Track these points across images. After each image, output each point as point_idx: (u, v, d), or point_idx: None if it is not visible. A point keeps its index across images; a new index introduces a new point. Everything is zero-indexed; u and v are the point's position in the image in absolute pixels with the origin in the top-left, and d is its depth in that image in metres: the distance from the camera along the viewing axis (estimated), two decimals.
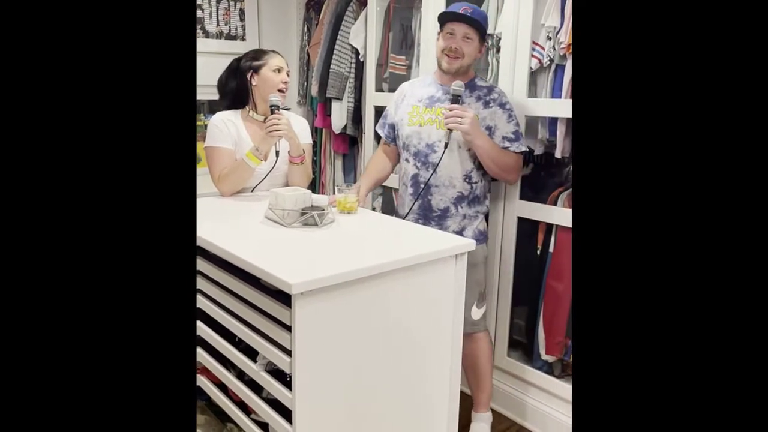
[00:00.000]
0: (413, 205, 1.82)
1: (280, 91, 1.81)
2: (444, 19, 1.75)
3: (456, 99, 1.68)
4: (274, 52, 1.86)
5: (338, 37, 2.68)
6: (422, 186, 1.79)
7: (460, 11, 1.69)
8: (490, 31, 2.00)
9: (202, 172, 2.69)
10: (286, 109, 1.88)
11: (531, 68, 1.87)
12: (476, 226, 1.82)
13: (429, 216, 1.80)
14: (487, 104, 1.75)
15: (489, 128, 1.74)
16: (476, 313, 1.84)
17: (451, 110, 1.66)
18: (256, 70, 1.82)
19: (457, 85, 1.68)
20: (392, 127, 1.92)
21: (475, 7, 1.72)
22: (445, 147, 1.72)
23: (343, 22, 2.67)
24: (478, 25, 1.68)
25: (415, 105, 1.83)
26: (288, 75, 1.85)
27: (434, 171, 1.76)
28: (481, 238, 1.83)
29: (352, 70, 2.67)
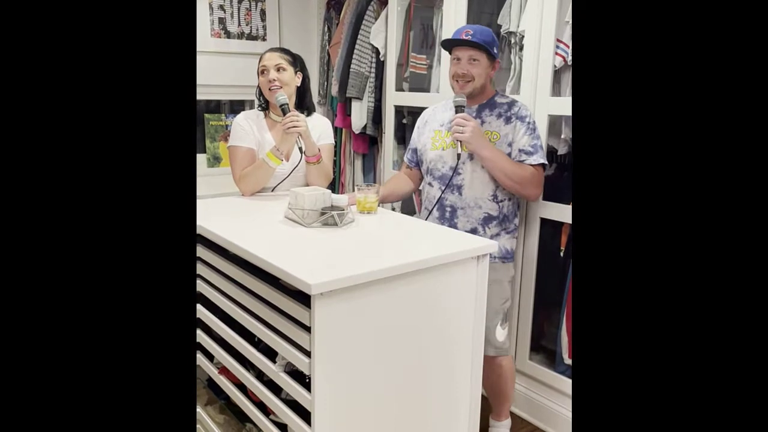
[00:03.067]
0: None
1: (272, 90, 1.75)
2: (447, 46, 1.74)
3: (458, 110, 1.67)
4: (271, 50, 1.82)
5: (359, 36, 2.68)
6: (449, 210, 1.76)
7: (461, 36, 1.66)
8: (512, 29, 1.97)
9: (224, 171, 2.72)
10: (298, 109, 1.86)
11: (555, 66, 1.83)
12: (501, 245, 1.76)
13: None
14: (508, 120, 1.72)
15: (510, 144, 1.71)
16: (500, 334, 1.76)
17: (453, 120, 1.65)
18: (258, 73, 1.82)
19: (459, 97, 1.68)
20: (415, 151, 1.91)
21: (477, 28, 1.68)
22: (458, 158, 1.70)
23: (364, 22, 2.66)
24: (481, 46, 1.65)
25: (437, 130, 1.82)
26: (279, 71, 1.77)
27: (459, 193, 1.74)
28: (508, 257, 1.78)
29: (373, 70, 2.67)
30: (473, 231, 1.74)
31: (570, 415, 1.93)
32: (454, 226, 1.76)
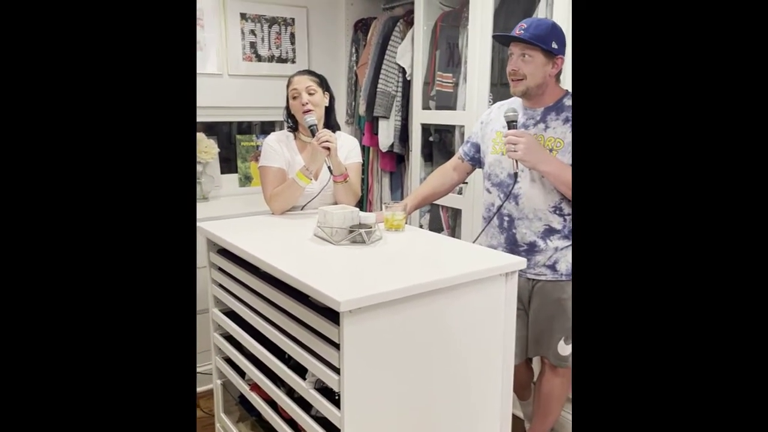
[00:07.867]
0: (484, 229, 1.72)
1: (305, 112, 1.77)
2: (499, 42, 1.62)
3: (510, 126, 1.57)
4: (299, 73, 1.86)
5: (385, 56, 2.72)
6: (506, 219, 1.67)
7: (515, 31, 1.55)
8: None
9: (255, 190, 2.78)
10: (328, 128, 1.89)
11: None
12: (571, 258, 1.63)
13: (516, 251, 1.64)
14: None
15: None
16: (564, 349, 1.68)
17: (505, 137, 1.55)
18: (289, 96, 1.86)
19: (510, 111, 1.58)
20: (474, 146, 1.82)
21: (534, 21, 1.56)
22: (515, 177, 1.61)
23: (390, 42, 2.71)
24: (533, 42, 1.52)
25: (499, 131, 1.70)
26: (311, 93, 1.80)
27: (515, 202, 1.64)
28: None
29: (399, 89, 2.70)
30: (533, 244, 1.63)
31: None
32: (512, 237, 1.66)
